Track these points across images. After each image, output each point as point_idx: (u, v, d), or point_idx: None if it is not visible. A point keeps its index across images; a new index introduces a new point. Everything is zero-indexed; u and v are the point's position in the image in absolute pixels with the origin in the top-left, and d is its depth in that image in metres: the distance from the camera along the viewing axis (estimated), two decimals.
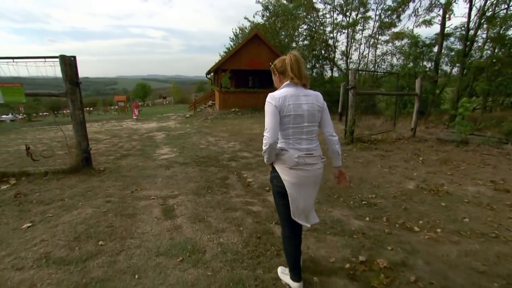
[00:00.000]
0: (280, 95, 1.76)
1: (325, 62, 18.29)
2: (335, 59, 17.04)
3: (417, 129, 8.55)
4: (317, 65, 18.86)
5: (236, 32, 38.33)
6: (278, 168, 1.87)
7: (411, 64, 11.17)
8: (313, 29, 17.49)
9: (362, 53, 15.59)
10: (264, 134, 1.74)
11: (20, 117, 26.92)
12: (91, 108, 40.88)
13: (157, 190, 3.97)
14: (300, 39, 19.85)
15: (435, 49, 10.38)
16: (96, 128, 15.05)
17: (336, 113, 14.49)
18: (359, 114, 12.82)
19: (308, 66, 18.57)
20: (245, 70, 18.06)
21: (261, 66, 16.56)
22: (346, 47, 16.13)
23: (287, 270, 2.12)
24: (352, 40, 15.84)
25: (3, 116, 30.79)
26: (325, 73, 18.39)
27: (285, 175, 1.83)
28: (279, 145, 1.83)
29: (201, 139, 8.84)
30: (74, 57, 4.26)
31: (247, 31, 34.05)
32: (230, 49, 37.71)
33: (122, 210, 3.30)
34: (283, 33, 22.15)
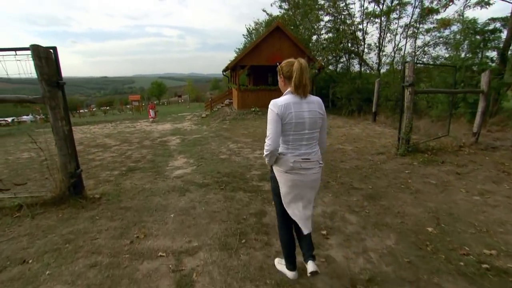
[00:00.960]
0: (282, 103, 1.80)
1: (352, 56, 16.69)
2: (364, 52, 15.37)
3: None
4: (343, 60, 17.25)
5: (250, 28, 37.07)
6: (275, 170, 1.96)
7: (466, 54, 9.48)
8: (339, 20, 15.91)
9: (398, 44, 13.87)
10: (266, 140, 1.82)
11: (38, 118, 26.84)
12: (107, 107, 40.91)
13: (167, 238, 2.78)
14: (323, 31, 18.29)
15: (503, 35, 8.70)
16: (109, 129, 14.28)
17: (369, 113, 12.98)
18: (394, 115, 11.26)
19: (332, 59, 17.02)
20: (265, 67, 16.77)
21: None
22: (379, 38, 14.44)
23: (283, 260, 2.19)
24: (386, 31, 14.14)
25: (24, 116, 30.97)
26: (351, 68, 16.75)
27: (280, 178, 1.92)
28: (280, 149, 1.89)
29: (221, 145, 7.67)
30: (54, 48, 3.13)
31: (263, 27, 32.72)
32: (245, 45, 36.60)
33: None
34: (301, 26, 20.65)
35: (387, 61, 14.64)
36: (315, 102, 1.87)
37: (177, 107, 37.74)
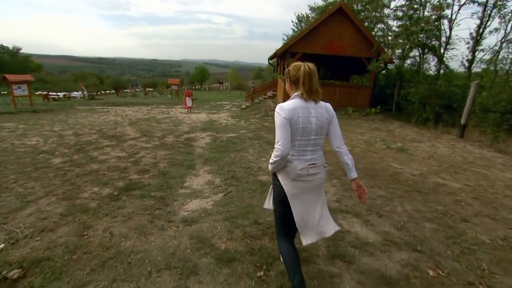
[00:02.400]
0: (289, 107, 1.72)
1: (426, 51, 13.48)
2: (447, 46, 12.11)
3: None
4: (414, 54, 14.08)
5: (300, 16, 34.12)
6: (280, 178, 1.85)
7: None
8: (417, 2, 12.76)
9: (507, 35, 10.42)
10: (276, 146, 1.73)
11: (83, 95, 27.39)
12: (151, 89, 41.19)
13: None
14: (391, 18, 15.16)
15: None
16: (142, 113, 13.22)
17: (451, 125, 10.04)
18: (498, 132, 8.26)
19: (399, 53, 13.96)
20: (319, 56, 14.26)
21: (340, 51, 12.62)
22: (478, 29, 11.08)
23: None
24: (487, 19, 10.75)
25: (74, 92, 32.05)
26: (426, 67, 13.53)
27: (287, 186, 1.82)
28: None
29: (261, 155, 5.67)
30: None
31: (315, 14, 29.70)
32: (295, 33, 33.75)
33: None
34: (362, 13, 17.57)
35: (486, 57, 11.26)
36: (322, 107, 1.79)
37: (217, 94, 36.54)
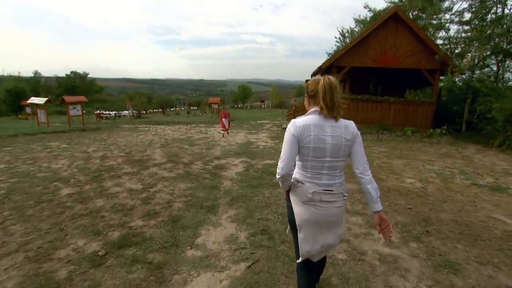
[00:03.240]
0: (302, 123, 1.57)
1: (502, 58, 11.13)
2: None
3: None
4: (492, 64, 11.76)
5: (343, 31, 32.68)
6: (292, 199, 1.72)
7: None
8: (489, 2, 10.69)
9: None
10: (278, 163, 1.61)
11: (131, 114, 28.96)
12: (195, 108, 42.50)
13: None
14: (455, 23, 13.09)
15: None
16: (180, 133, 13.09)
17: None
18: None
19: (466, 62, 11.80)
20: (369, 69, 12.72)
21: (395, 63, 10.94)
22: None
23: None
24: None
25: (124, 111, 34.22)
26: (508, 76, 11.14)
27: (297, 209, 1.68)
28: (296, 175, 1.68)
29: None
30: None
31: (360, 28, 27.98)
32: (338, 49, 32.20)
33: None
34: (420, 21, 15.61)
35: None
36: (342, 126, 1.58)
37: (259, 112, 36.09)
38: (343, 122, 1.60)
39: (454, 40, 13.15)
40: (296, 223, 1.68)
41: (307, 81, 1.69)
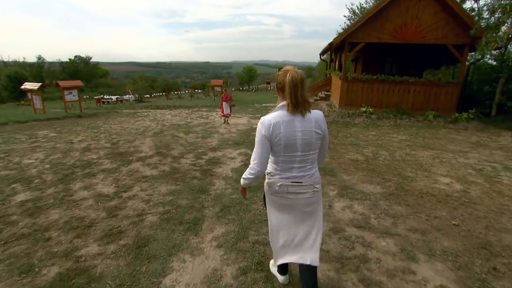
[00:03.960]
0: (271, 121, 1.55)
1: None
2: None
3: None
4: None
5: (352, 9, 30.56)
6: (265, 189, 1.76)
7: None
8: None
9: None
10: (251, 163, 1.61)
11: (133, 98, 28.07)
12: (199, 90, 41.28)
13: None
14: None
15: None
16: (180, 117, 12.29)
17: None
18: None
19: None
20: (383, 46, 11.40)
21: (416, 38, 9.58)
22: None
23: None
24: None
25: (126, 96, 33.38)
26: None
27: (267, 198, 1.75)
28: (269, 168, 1.68)
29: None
30: None
31: (370, 5, 25.92)
32: (345, 28, 30.09)
33: None
34: None
35: None
36: (312, 120, 1.58)
37: (265, 95, 34.69)
38: (312, 115, 1.57)
39: (489, 8, 11.56)
40: (268, 212, 1.74)
41: (278, 70, 1.64)
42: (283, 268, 2.00)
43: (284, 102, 1.55)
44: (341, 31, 33.73)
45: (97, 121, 12.04)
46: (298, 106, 1.51)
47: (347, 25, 30.90)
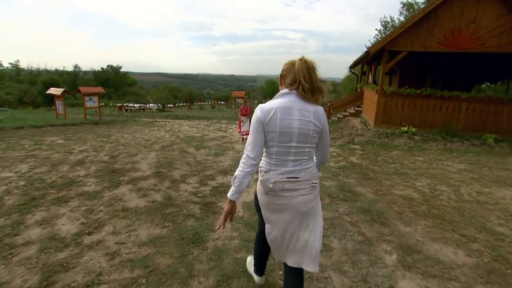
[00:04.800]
0: (269, 107, 1.45)
1: None
2: None
3: None
4: None
5: (385, 22, 29.18)
6: (257, 189, 1.61)
7: None
8: None
9: None
10: (244, 152, 1.48)
11: (155, 107, 28.02)
12: (222, 102, 40.99)
13: None
14: None
15: None
16: (197, 129, 11.60)
17: None
18: None
19: None
20: (425, 57, 9.95)
21: (472, 45, 8.07)
22: None
23: (254, 260, 2.00)
24: None
25: (149, 104, 33.59)
26: None
27: (260, 198, 1.58)
28: (262, 164, 1.55)
29: (366, 279, 2.23)
30: None
31: (404, 17, 24.40)
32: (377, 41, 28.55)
33: None
34: None
35: None
36: (311, 111, 1.46)
37: None
38: (311, 106, 1.47)
39: None
40: (262, 214, 1.59)
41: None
42: (261, 268, 1.93)
43: (285, 90, 1.48)
44: (370, 45, 32.22)
45: (111, 129, 11.53)
46: (314, 92, 1.43)
47: (377, 39, 29.49)
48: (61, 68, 60.59)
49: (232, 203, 1.51)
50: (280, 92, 1.50)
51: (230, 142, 8.22)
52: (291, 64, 1.47)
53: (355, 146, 7.57)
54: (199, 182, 4.31)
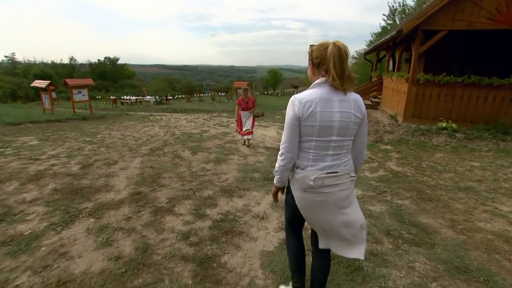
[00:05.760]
0: (306, 98, 1.34)
1: None
2: None
3: None
4: None
5: (393, 7, 27.30)
6: (292, 186, 1.51)
7: None
8: None
9: None
10: (281, 148, 1.44)
11: (153, 99, 26.55)
12: (223, 93, 39.36)
13: None
14: None
15: None
16: (195, 124, 10.22)
17: None
18: None
19: None
20: (455, 38, 8.47)
21: None
22: None
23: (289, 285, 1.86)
24: None
25: (147, 97, 32.12)
26: None
27: (298, 197, 1.47)
28: (297, 160, 1.45)
29: None
30: None
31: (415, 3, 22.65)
32: (379, 35, 26.73)
33: None
34: None
35: None
36: (350, 100, 1.37)
37: None
38: (351, 96, 1.38)
39: None
40: (300, 211, 1.49)
41: (311, 46, 1.41)
42: (299, 280, 1.66)
43: (321, 79, 1.36)
44: (373, 35, 30.46)
45: (100, 126, 10.18)
46: (344, 79, 1.31)
47: (382, 27, 27.67)
48: (58, 61, 59.23)
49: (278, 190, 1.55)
50: (315, 82, 1.38)
51: (234, 142, 6.87)
52: (324, 49, 1.33)
53: (387, 147, 6.19)
54: (193, 212, 2.97)
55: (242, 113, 6.22)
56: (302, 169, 1.40)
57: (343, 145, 1.40)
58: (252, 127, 6.33)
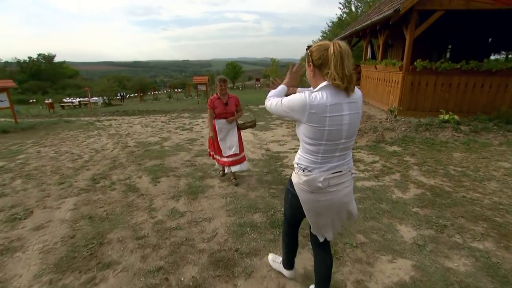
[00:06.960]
0: (320, 101, 1.26)
1: None
2: None
3: None
4: None
5: None
6: (297, 188, 1.48)
7: None
8: None
9: None
10: (268, 99, 1.51)
11: (101, 101, 23.35)
12: (180, 90, 36.61)
13: None
14: None
15: None
16: (152, 131, 8.46)
17: None
18: None
19: None
20: (438, 22, 7.83)
21: None
22: None
23: (278, 258, 2.04)
24: None
25: (93, 98, 28.35)
26: None
27: (304, 198, 1.48)
28: (302, 161, 1.43)
29: None
30: None
31: None
32: (335, 23, 26.73)
33: None
34: None
35: None
36: (357, 100, 1.35)
37: (255, 93, 30.65)
38: (355, 94, 1.33)
39: None
40: (305, 211, 1.52)
41: (309, 47, 1.35)
42: (290, 262, 1.91)
43: (327, 82, 1.30)
44: (327, 26, 30.29)
45: (27, 140, 7.77)
46: (350, 80, 1.27)
47: (339, 16, 27.65)
48: None
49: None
50: (322, 84, 1.30)
51: (205, 152, 5.25)
52: (324, 49, 1.28)
53: (394, 148, 5.17)
54: None
55: (218, 122, 3.65)
56: (310, 171, 1.39)
57: (349, 146, 1.40)
58: (241, 148, 3.77)
